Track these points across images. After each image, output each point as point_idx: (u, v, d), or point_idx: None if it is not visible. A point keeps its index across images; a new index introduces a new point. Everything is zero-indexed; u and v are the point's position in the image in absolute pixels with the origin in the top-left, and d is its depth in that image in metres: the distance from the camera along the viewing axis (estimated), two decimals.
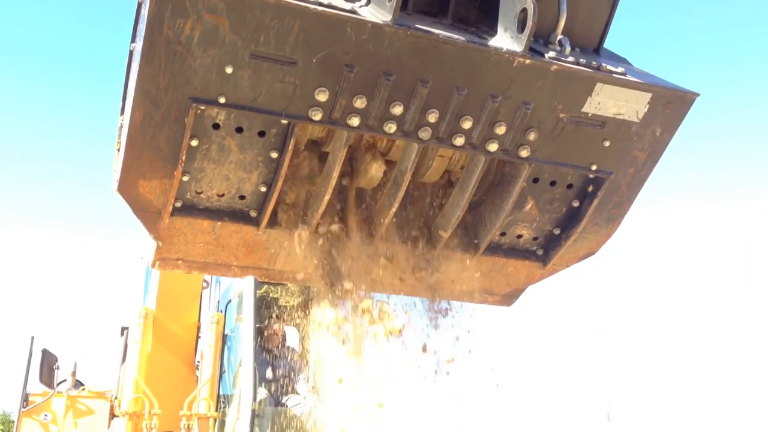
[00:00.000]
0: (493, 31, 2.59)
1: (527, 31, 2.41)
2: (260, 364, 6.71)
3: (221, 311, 7.21)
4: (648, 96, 2.69)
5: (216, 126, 2.58)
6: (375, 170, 2.96)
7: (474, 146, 2.69)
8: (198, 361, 6.97)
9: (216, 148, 2.64)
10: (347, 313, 3.55)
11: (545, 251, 3.28)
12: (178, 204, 2.76)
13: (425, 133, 2.60)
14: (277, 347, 7.36)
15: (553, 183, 3.01)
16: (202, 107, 2.43)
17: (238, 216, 2.90)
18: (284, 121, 2.57)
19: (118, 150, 2.71)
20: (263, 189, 2.81)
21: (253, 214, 2.90)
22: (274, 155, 2.69)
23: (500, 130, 2.64)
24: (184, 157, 2.54)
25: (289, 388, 7.02)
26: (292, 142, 2.61)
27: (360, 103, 2.48)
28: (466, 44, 2.45)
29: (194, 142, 2.56)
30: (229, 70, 2.33)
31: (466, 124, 2.61)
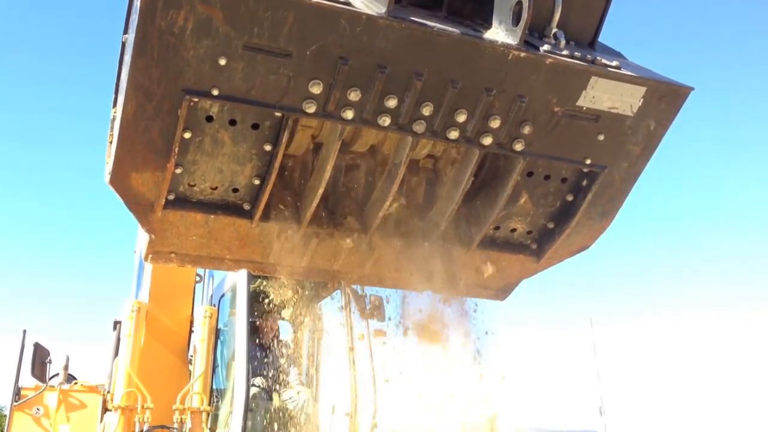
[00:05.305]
0: (487, 24, 2.58)
1: (522, 24, 2.40)
2: (253, 358, 6.70)
3: (214, 305, 7.19)
4: (642, 90, 2.69)
5: (209, 118, 2.57)
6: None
7: (468, 140, 2.68)
8: (191, 356, 6.94)
9: (209, 141, 2.62)
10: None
11: (539, 245, 3.28)
12: (171, 197, 2.75)
13: (420, 126, 2.60)
14: (271, 341, 7.34)
15: (547, 177, 3.01)
16: (195, 99, 2.42)
17: (232, 209, 2.88)
18: (278, 114, 2.55)
19: (111, 142, 2.69)
20: (257, 182, 2.80)
21: (246, 207, 2.89)
22: (268, 148, 2.68)
23: (495, 123, 2.64)
24: (177, 150, 2.52)
25: (283, 383, 7.02)
26: (286, 134, 2.60)
27: (354, 95, 2.47)
28: (461, 37, 2.44)
29: (187, 135, 2.55)
30: (222, 61, 2.31)
31: (461, 118, 2.60)
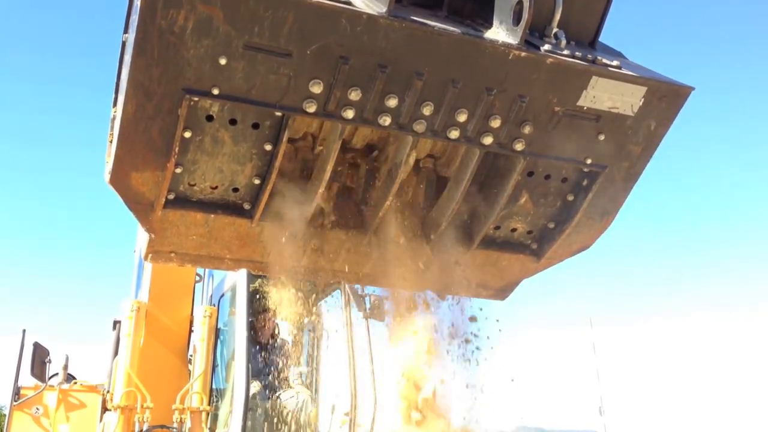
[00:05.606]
0: (488, 24, 2.58)
1: (523, 23, 2.40)
2: (253, 358, 6.70)
3: (214, 305, 7.18)
4: (643, 90, 2.69)
5: (209, 118, 2.56)
6: None
7: (469, 139, 2.68)
8: (191, 355, 6.94)
9: (209, 140, 2.62)
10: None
11: (539, 245, 3.27)
12: (171, 196, 2.75)
13: (420, 126, 2.60)
14: (270, 341, 7.35)
15: (547, 177, 3.01)
16: (196, 99, 2.42)
17: (232, 208, 2.88)
18: (278, 113, 2.55)
19: (111, 142, 2.69)
20: (257, 181, 2.79)
21: (246, 206, 2.89)
22: (268, 147, 2.68)
23: (495, 123, 2.64)
24: (177, 149, 2.52)
25: (282, 382, 7.02)
26: (286, 134, 2.60)
27: (355, 95, 2.47)
28: (462, 36, 2.44)
29: (187, 134, 2.54)
30: (222, 61, 2.31)
31: (461, 117, 2.60)
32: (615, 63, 2.63)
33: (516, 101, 2.60)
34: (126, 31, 2.54)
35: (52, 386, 7.52)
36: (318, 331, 7.59)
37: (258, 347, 7.18)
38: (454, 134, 2.64)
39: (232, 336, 6.66)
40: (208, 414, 6.29)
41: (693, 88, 2.75)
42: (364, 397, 6.37)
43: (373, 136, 2.96)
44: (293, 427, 6.58)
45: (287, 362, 7.18)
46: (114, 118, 2.65)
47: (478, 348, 3.52)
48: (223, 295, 7.27)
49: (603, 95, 2.66)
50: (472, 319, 3.55)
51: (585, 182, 3.01)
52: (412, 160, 2.88)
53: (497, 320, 3.64)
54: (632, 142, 2.85)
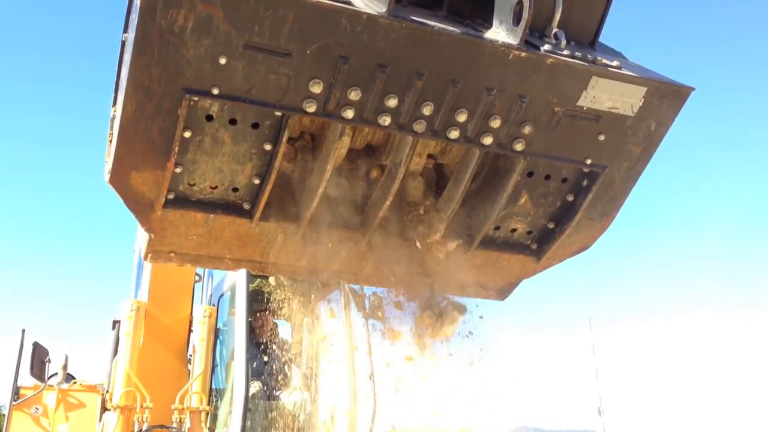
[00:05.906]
0: (488, 24, 2.58)
1: (523, 23, 2.40)
2: (252, 358, 6.70)
3: (213, 305, 7.18)
4: (643, 90, 2.69)
5: (209, 117, 2.56)
6: None
7: (469, 139, 2.68)
8: (190, 355, 6.94)
9: (209, 140, 2.62)
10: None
11: (539, 245, 3.28)
12: (171, 196, 2.75)
13: (420, 126, 2.60)
14: (270, 341, 7.34)
15: (547, 177, 3.01)
16: (196, 98, 2.42)
17: (232, 208, 2.88)
18: (278, 113, 2.55)
19: (110, 141, 2.68)
20: (257, 181, 2.79)
21: (246, 206, 2.89)
22: (268, 147, 2.68)
23: (495, 123, 2.64)
24: (177, 149, 2.52)
25: (282, 382, 7.02)
26: (286, 134, 2.60)
27: (354, 95, 2.47)
28: (462, 36, 2.44)
29: (187, 134, 2.54)
30: (222, 60, 2.31)
31: (461, 117, 2.60)
32: (615, 63, 2.63)
33: (516, 101, 2.60)
34: (126, 30, 2.53)
35: (52, 386, 7.51)
36: (317, 331, 7.58)
37: (257, 347, 7.18)
38: (454, 134, 2.64)
39: (231, 336, 6.66)
40: (207, 414, 6.29)
41: (693, 89, 2.75)
42: (364, 397, 6.37)
43: (373, 136, 2.96)
44: (293, 427, 6.58)
45: (287, 362, 7.17)
46: (114, 118, 2.65)
47: (478, 349, 3.52)
48: (222, 295, 7.27)
49: (603, 95, 2.67)
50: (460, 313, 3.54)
51: (585, 182, 3.01)
52: (411, 161, 2.88)
53: (496, 321, 3.64)
54: (632, 142, 2.85)
